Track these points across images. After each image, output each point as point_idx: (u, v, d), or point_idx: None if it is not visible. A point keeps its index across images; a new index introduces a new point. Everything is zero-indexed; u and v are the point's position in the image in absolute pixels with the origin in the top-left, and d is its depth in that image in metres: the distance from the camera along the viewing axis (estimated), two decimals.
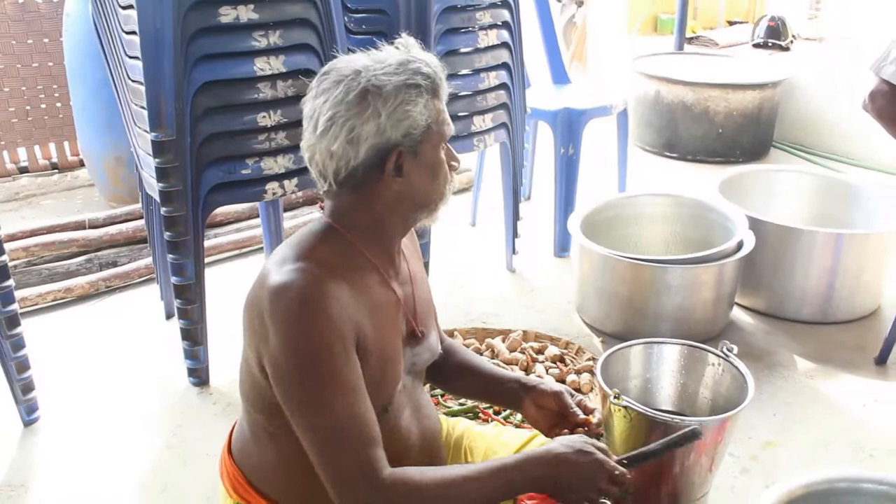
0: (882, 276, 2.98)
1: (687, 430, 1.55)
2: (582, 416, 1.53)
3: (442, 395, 2.41)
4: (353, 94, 1.29)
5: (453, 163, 1.41)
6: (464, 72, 2.80)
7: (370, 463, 1.26)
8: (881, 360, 2.69)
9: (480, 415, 2.32)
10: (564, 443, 1.38)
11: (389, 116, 1.29)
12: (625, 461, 1.44)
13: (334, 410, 1.26)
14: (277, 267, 1.30)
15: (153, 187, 2.36)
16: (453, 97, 2.75)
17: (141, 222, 3.32)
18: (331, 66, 1.34)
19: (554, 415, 1.56)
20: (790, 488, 1.65)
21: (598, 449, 1.38)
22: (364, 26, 2.61)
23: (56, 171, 4.47)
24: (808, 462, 2.22)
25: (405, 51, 1.35)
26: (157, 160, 2.24)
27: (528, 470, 1.34)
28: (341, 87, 1.30)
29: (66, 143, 4.43)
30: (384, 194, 1.35)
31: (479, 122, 2.88)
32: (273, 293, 1.27)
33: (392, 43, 1.37)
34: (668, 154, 4.87)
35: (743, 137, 4.73)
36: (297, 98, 2.23)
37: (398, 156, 1.32)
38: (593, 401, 2.37)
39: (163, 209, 2.30)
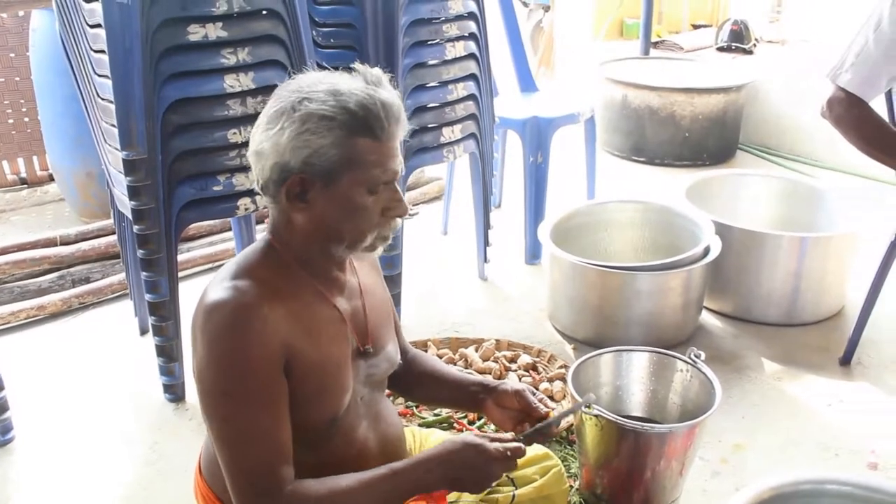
0: (845, 277, 3.05)
1: (582, 399, 1.75)
2: (544, 409, 1.54)
3: (416, 406, 2.43)
4: (275, 110, 1.31)
5: (392, 209, 1.37)
6: (432, 84, 2.83)
7: (273, 480, 1.30)
8: (845, 361, 2.75)
9: (455, 425, 2.35)
10: (453, 439, 1.43)
11: (290, 140, 1.28)
12: (521, 438, 1.47)
13: (246, 428, 1.31)
14: (216, 283, 1.35)
15: (125, 205, 2.36)
16: (421, 109, 2.79)
17: (113, 238, 3.31)
18: (294, 79, 1.35)
19: (518, 414, 1.58)
20: (758, 491, 1.69)
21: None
22: (332, 40, 2.63)
23: (25, 185, 4.43)
24: (776, 463, 2.27)
25: (368, 84, 1.32)
26: (128, 178, 2.25)
27: (417, 470, 1.39)
28: (275, 100, 1.33)
29: (34, 158, 4.39)
30: (295, 217, 1.37)
31: (449, 134, 2.91)
32: (205, 310, 1.32)
33: (364, 67, 1.35)
34: (635, 158, 4.93)
35: (709, 141, 4.80)
36: None
37: (300, 182, 1.31)
38: (565, 409, 2.41)
39: (135, 227, 2.31)
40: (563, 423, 2.31)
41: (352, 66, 1.36)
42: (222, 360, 1.30)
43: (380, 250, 1.43)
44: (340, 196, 1.32)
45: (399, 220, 1.41)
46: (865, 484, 1.75)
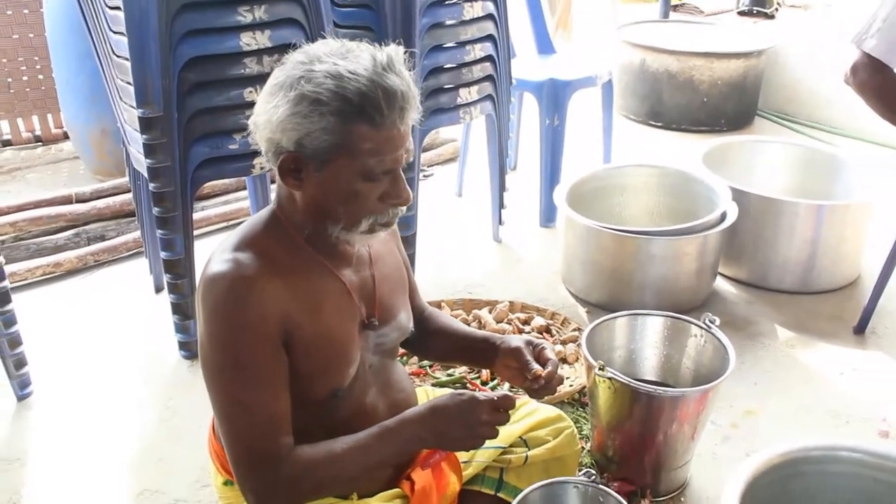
0: (862, 246, 3.03)
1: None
2: (535, 369, 1.51)
3: (430, 367, 2.45)
4: (276, 82, 1.28)
5: (391, 197, 1.33)
6: (449, 44, 2.80)
7: (270, 450, 1.32)
8: (860, 330, 2.74)
9: (468, 385, 2.36)
10: (440, 395, 1.43)
11: (282, 121, 1.25)
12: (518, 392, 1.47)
13: (242, 400, 1.32)
14: (219, 254, 1.35)
15: (141, 163, 2.36)
16: (438, 69, 2.77)
17: (128, 196, 3.33)
18: (304, 49, 1.31)
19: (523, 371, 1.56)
20: (768, 456, 1.70)
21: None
22: None
23: (40, 143, 4.44)
24: (787, 430, 2.27)
25: (376, 67, 1.25)
26: (144, 136, 2.25)
27: (407, 428, 1.40)
28: (280, 70, 1.30)
29: (49, 116, 4.40)
30: (293, 192, 1.35)
31: (465, 95, 2.89)
32: (206, 282, 1.33)
33: (382, 45, 1.30)
34: (652, 123, 4.88)
35: (727, 106, 4.75)
36: None
37: (293, 161, 1.29)
38: (577, 371, 2.42)
39: (151, 185, 2.31)
40: (577, 385, 2.33)
41: (369, 41, 1.32)
42: (220, 333, 1.32)
43: (381, 234, 1.40)
44: (333, 181, 1.30)
45: (401, 208, 1.37)
46: (876, 451, 1.76)
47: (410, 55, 1.33)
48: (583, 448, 2.10)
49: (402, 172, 1.34)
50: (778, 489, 1.72)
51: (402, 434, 1.40)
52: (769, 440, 2.13)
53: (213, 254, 1.38)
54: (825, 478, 1.74)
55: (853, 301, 2.92)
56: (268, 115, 1.27)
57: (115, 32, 2.31)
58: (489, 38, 2.92)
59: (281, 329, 1.33)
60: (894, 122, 2.21)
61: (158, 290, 2.95)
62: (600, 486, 1.65)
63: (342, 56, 1.27)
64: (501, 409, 1.40)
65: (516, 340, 1.59)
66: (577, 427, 1.99)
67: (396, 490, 1.52)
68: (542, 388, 1.51)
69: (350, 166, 1.28)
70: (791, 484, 1.73)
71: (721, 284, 3.05)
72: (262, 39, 2.29)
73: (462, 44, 2.82)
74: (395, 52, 1.29)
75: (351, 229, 1.35)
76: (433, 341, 1.73)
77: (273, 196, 1.43)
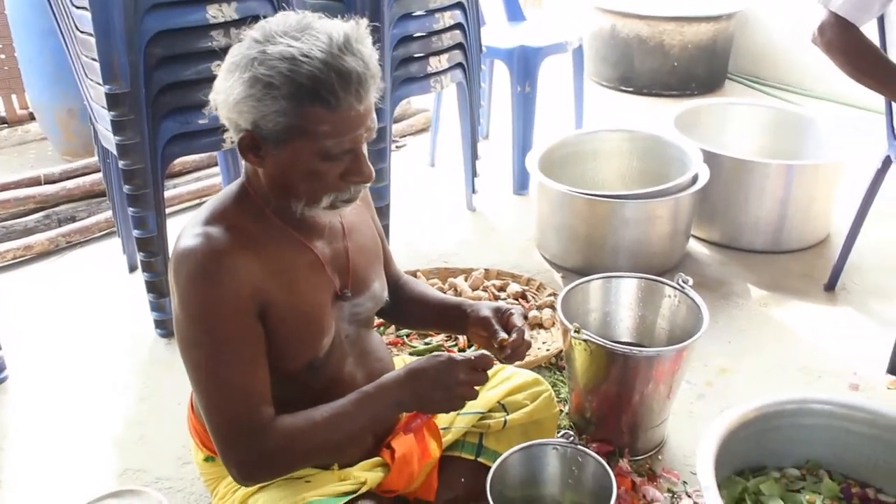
0: (831, 205, 3.06)
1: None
2: (500, 336, 1.51)
3: (407, 336, 2.46)
4: (232, 60, 1.26)
5: (352, 175, 1.32)
6: (418, 12, 2.78)
7: (251, 423, 1.33)
8: (830, 287, 2.79)
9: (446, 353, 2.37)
10: (418, 359, 1.45)
11: (237, 102, 1.24)
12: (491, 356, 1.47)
13: (220, 375, 1.33)
14: (189, 229, 1.35)
15: (109, 140, 2.33)
16: (408, 38, 2.75)
17: (98, 176, 3.29)
18: (266, 22, 1.28)
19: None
20: (743, 412, 1.74)
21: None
22: None
23: (5, 125, 4.36)
24: (761, 386, 2.31)
25: (332, 48, 1.22)
26: (112, 113, 2.22)
27: (386, 392, 1.41)
28: (237, 48, 1.27)
29: (13, 97, 4.31)
30: (256, 168, 1.35)
31: (436, 63, 2.88)
32: (177, 257, 1.33)
33: (348, 20, 1.27)
34: (623, 88, 4.89)
35: (698, 70, 4.77)
36: None
37: (252, 139, 1.28)
38: (553, 335, 2.44)
39: (121, 163, 2.29)
40: (553, 349, 2.35)
41: (337, 12, 1.30)
42: (193, 309, 1.32)
43: (346, 210, 1.39)
44: (291, 160, 1.29)
45: (363, 185, 1.36)
46: (847, 403, 1.81)
47: (374, 29, 1.31)
48: (560, 411, 2.13)
49: (363, 150, 1.33)
50: (753, 443, 1.76)
51: (381, 398, 1.40)
52: (743, 397, 2.16)
53: (183, 229, 1.37)
54: (798, 430, 1.79)
55: (823, 259, 2.97)
56: (224, 94, 1.27)
57: (77, 7, 2.27)
58: (458, 5, 2.90)
59: (254, 301, 1.33)
60: (861, 81, 2.22)
61: (132, 269, 2.93)
62: (579, 446, 1.68)
63: (297, 36, 1.23)
64: (479, 369, 1.41)
65: (485, 309, 1.59)
66: (554, 390, 2.01)
67: (377, 458, 1.53)
68: (510, 356, 1.51)
69: (307, 147, 1.27)
70: (766, 438, 1.78)
71: (694, 246, 3.08)
72: (228, 11, 2.27)
73: (431, 12, 2.80)
74: (353, 30, 1.26)
75: (313, 205, 1.35)
76: (408, 309, 1.73)
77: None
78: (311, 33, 1.24)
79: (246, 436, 1.33)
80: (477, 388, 1.42)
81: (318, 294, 1.44)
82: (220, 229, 1.33)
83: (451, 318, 1.66)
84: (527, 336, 1.53)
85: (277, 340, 1.38)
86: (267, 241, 1.37)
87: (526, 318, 1.61)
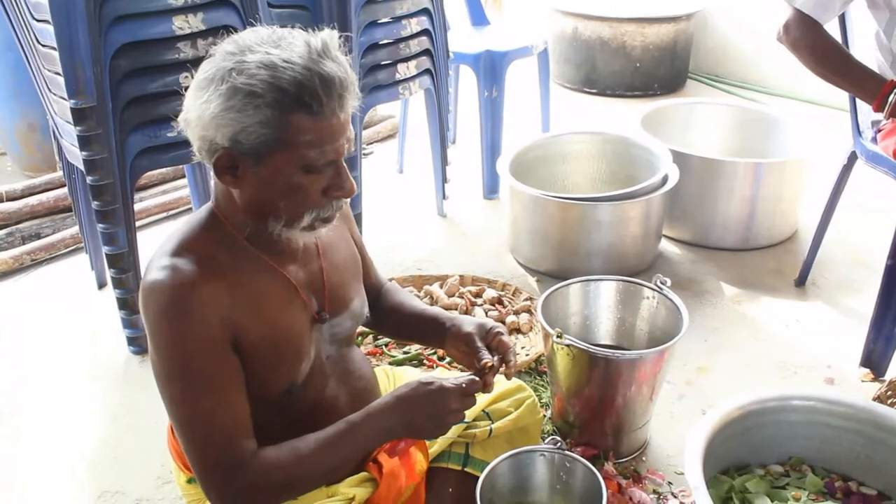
0: (798, 202, 3.10)
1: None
2: (485, 359, 1.47)
3: (386, 345, 2.44)
4: (205, 76, 1.22)
5: (334, 190, 1.29)
6: (385, 20, 2.77)
7: (233, 456, 1.30)
8: (800, 282, 2.83)
9: (425, 361, 2.36)
10: (407, 384, 1.42)
11: (215, 117, 1.20)
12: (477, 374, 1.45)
13: (197, 409, 1.29)
14: (156, 260, 1.30)
15: (76, 156, 2.29)
16: (375, 46, 2.73)
17: (62, 191, 3.23)
18: (233, 39, 1.25)
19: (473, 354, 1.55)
20: (727, 411, 1.75)
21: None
22: None
23: None
24: (739, 383, 2.33)
25: (311, 54, 1.20)
26: (78, 128, 2.17)
27: (373, 421, 1.38)
28: (209, 62, 1.24)
29: None
30: (230, 190, 1.31)
31: (403, 70, 2.87)
32: (145, 291, 1.28)
33: (318, 30, 1.25)
34: (587, 90, 4.93)
35: (660, 71, 4.81)
36: None
37: (229, 158, 1.24)
38: (532, 340, 2.44)
39: (88, 178, 2.24)
40: (533, 354, 2.35)
41: (304, 22, 1.27)
42: (165, 343, 1.28)
43: (322, 231, 1.35)
44: (272, 176, 1.25)
45: (343, 200, 1.33)
46: (826, 398, 1.83)
47: (346, 39, 1.29)
48: (544, 416, 2.12)
49: (344, 163, 1.30)
50: (737, 442, 1.78)
51: (369, 428, 1.38)
52: (723, 395, 2.18)
53: (151, 260, 1.33)
54: (781, 427, 1.80)
55: (793, 255, 3.01)
56: (198, 111, 1.21)
57: (38, 21, 2.22)
58: (424, 11, 2.90)
59: (226, 332, 1.30)
60: (827, 79, 2.26)
61: (101, 286, 2.88)
62: (567, 452, 1.68)
63: (274, 44, 1.21)
64: (470, 394, 1.40)
65: (469, 325, 1.55)
66: (536, 395, 2.01)
67: (364, 474, 1.51)
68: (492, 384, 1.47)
69: (290, 160, 1.23)
70: (749, 436, 1.79)
71: (666, 246, 3.10)
72: (194, 22, 2.23)
73: (398, 18, 2.80)
74: (329, 37, 1.24)
75: (292, 225, 1.31)
76: (388, 319, 1.71)
77: (213, 183, 1.39)
78: (287, 41, 1.22)
79: (226, 470, 1.30)
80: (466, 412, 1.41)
81: (294, 320, 1.41)
82: (187, 260, 1.29)
83: (429, 330, 1.63)
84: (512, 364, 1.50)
85: (253, 369, 1.35)
86: (238, 270, 1.33)
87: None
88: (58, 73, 2.18)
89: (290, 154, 1.23)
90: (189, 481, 1.56)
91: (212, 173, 1.29)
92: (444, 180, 3.35)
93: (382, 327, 1.77)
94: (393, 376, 1.79)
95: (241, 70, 1.19)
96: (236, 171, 1.26)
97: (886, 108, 2.11)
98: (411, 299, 1.76)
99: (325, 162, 1.26)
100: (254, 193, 1.29)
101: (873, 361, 2.33)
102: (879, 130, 2.30)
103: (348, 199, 1.35)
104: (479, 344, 1.51)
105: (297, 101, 1.19)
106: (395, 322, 1.71)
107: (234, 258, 1.34)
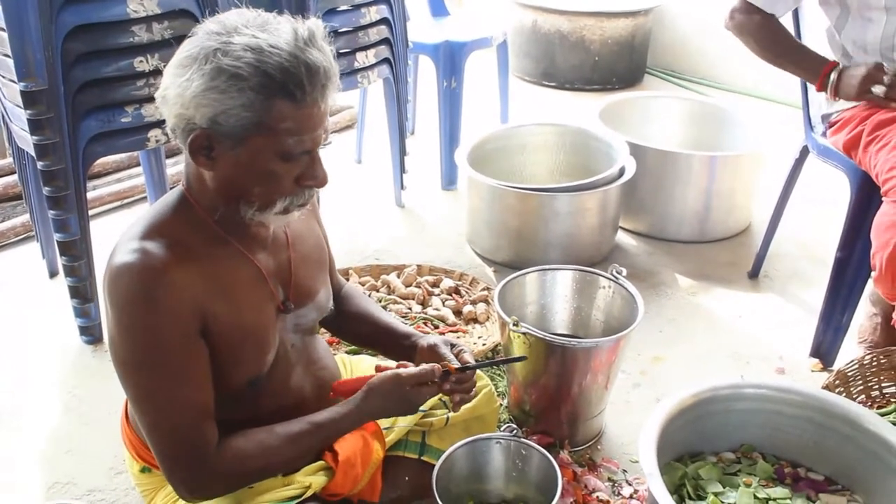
0: (752, 195, 3.15)
1: (516, 357, 1.91)
2: (455, 365, 1.51)
3: None
4: (187, 53, 1.21)
5: (307, 179, 1.29)
6: (344, 7, 2.75)
7: (196, 443, 1.30)
8: (754, 275, 2.87)
9: None
10: (372, 380, 1.46)
11: (196, 96, 1.19)
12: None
13: (161, 396, 1.29)
14: (124, 243, 1.28)
15: (26, 141, 2.24)
16: (333, 34, 2.71)
17: (11, 178, 3.15)
18: (222, 16, 1.25)
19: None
20: (680, 399, 1.77)
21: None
22: None
23: None
24: (693, 373, 2.36)
25: (297, 42, 1.19)
26: (28, 112, 2.13)
27: (340, 421, 1.43)
28: (192, 40, 1.23)
29: None
30: (204, 172, 1.29)
31: (362, 58, 2.86)
32: (112, 274, 1.26)
33: (304, 18, 1.25)
34: (546, 83, 4.94)
35: (618, 65, 4.85)
36: (175, 40, 2.14)
37: (206, 138, 1.23)
38: (489, 329, 2.45)
39: (39, 163, 2.19)
40: (490, 343, 2.36)
41: (263, 7, 1.26)
42: (131, 329, 1.26)
43: (296, 214, 1.35)
44: (248, 159, 1.24)
45: (315, 189, 1.33)
46: (777, 386, 1.86)
47: (330, 33, 1.28)
48: (500, 405, 2.14)
49: (319, 153, 1.30)
50: (690, 430, 1.80)
51: (336, 426, 1.43)
52: (677, 384, 2.21)
53: (118, 242, 1.30)
54: (733, 415, 1.83)
55: (746, 248, 3.05)
56: (179, 88, 1.20)
57: None
58: (384, 0, 2.88)
59: (195, 318, 1.28)
60: (771, 62, 2.30)
61: (53, 274, 2.82)
62: (523, 440, 1.68)
63: (261, 28, 1.21)
64: (427, 382, 1.45)
65: (435, 338, 1.60)
66: (493, 385, 2.01)
67: (320, 462, 1.51)
68: (455, 389, 1.51)
69: (267, 146, 1.23)
70: (702, 423, 1.81)
71: (622, 238, 3.13)
72: (150, 5, 2.19)
73: (357, 6, 2.78)
74: (316, 25, 1.24)
75: (265, 210, 1.30)
76: (351, 325, 1.72)
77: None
78: (273, 26, 1.22)
79: (191, 457, 1.29)
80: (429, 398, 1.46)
81: (261, 309, 1.40)
82: (157, 243, 1.27)
83: (397, 345, 1.64)
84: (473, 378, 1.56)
85: (219, 357, 1.34)
86: (208, 255, 1.32)
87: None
88: (7, 55, 2.13)
89: (267, 139, 1.22)
90: (142, 471, 1.54)
91: (186, 154, 1.28)
92: (403, 171, 3.34)
93: (342, 332, 1.77)
94: (350, 365, 1.79)
95: (226, 51, 1.18)
96: (211, 153, 1.25)
97: (829, 88, 2.15)
98: (378, 309, 1.76)
99: (301, 150, 1.26)
100: (227, 177, 1.28)
101: (822, 352, 2.38)
102: (831, 125, 2.34)
103: (321, 188, 1.34)
104: (445, 350, 1.55)
105: (281, 88, 1.18)
106: (362, 330, 1.72)
107: (205, 243, 1.33)
